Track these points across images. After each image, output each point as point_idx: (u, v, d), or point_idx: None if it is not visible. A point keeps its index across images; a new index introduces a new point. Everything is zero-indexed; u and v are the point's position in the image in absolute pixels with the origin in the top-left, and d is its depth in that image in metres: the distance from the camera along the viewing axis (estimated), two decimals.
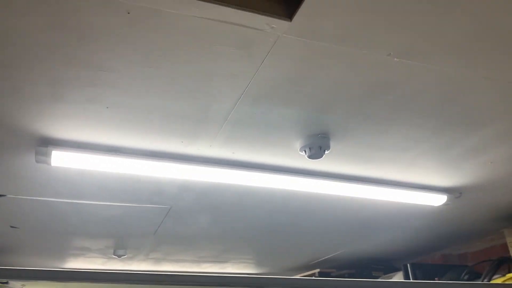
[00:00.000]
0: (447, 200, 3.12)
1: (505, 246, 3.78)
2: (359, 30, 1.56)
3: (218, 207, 3.06)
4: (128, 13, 1.44)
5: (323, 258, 4.49)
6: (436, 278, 3.76)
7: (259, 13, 1.47)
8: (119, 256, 3.94)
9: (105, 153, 2.26)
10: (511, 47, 1.70)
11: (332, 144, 2.38)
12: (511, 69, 1.83)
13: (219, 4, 1.44)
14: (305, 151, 2.37)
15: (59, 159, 2.24)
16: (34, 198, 2.73)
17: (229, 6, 1.44)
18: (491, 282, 3.28)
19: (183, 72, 1.74)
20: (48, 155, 2.19)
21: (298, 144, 2.37)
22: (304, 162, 2.54)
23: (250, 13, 1.46)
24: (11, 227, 3.13)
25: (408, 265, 3.95)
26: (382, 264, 4.67)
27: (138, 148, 2.24)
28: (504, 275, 3.26)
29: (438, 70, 1.80)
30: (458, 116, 2.16)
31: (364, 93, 1.96)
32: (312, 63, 1.71)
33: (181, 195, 2.86)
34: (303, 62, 1.70)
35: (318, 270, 4.64)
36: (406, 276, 3.91)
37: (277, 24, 1.52)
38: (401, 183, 2.93)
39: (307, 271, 4.78)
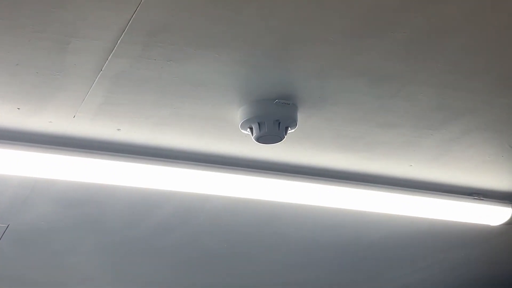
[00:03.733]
0: None
1: None
2: None
3: (100, 220, 3.15)
4: None
5: None
6: None
7: None
8: None
9: None
10: None
11: (300, 116, 2.34)
12: None
13: None
14: (250, 129, 2.33)
15: None
16: None
17: None
18: None
19: None
20: None
21: (237, 117, 2.35)
22: (249, 148, 2.57)
23: None
24: None
25: None
26: None
27: None
28: None
29: None
30: None
31: (357, 24, 1.91)
32: None
33: (29, 205, 2.93)
34: None
35: None
36: None
37: None
38: (428, 185, 2.91)
39: None
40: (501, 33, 1.97)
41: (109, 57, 1.95)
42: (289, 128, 2.28)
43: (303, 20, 1.86)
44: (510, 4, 1.77)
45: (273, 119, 2.24)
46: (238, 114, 2.28)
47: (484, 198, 2.97)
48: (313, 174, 2.75)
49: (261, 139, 2.27)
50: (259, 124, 2.24)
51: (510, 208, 3.02)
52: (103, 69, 2.01)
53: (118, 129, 2.36)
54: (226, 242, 3.47)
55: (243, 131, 2.30)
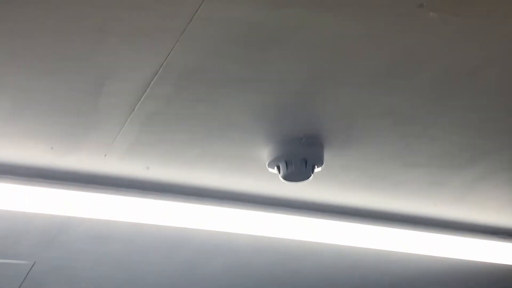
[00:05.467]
0: None
1: None
2: None
3: (127, 259, 3.09)
4: None
5: None
6: None
7: None
8: None
9: None
10: None
11: (327, 155, 2.32)
12: None
13: None
14: (277, 168, 2.31)
15: None
16: None
17: None
18: None
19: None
20: None
21: (265, 156, 2.32)
22: (276, 186, 2.52)
23: None
24: None
25: None
26: None
27: None
28: None
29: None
30: None
31: (384, 67, 1.93)
32: None
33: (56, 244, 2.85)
34: None
35: None
36: None
37: None
38: (452, 224, 2.90)
39: None
40: None
41: (142, 98, 1.96)
42: (316, 167, 2.26)
43: (330, 62, 1.87)
44: None
45: (300, 158, 2.22)
46: (265, 153, 2.27)
47: (510, 238, 2.94)
48: (338, 212, 2.72)
49: (288, 177, 2.25)
50: (286, 162, 2.23)
51: None
52: (135, 109, 2.02)
53: (147, 168, 2.36)
54: (251, 282, 3.43)
55: (270, 169, 2.29)
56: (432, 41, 1.76)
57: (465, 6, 1.66)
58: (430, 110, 2.10)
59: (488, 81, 1.98)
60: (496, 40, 1.78)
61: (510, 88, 2.01)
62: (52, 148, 2.22)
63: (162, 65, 1.82)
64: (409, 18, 1.68)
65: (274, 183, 2.44)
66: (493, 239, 2.92)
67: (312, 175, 2.27)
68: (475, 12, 1.65)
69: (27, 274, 3.15)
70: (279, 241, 2.88)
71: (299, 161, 2.22)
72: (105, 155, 2.28)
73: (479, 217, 2.85)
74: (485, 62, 1.85)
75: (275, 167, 2.27)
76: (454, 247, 2.92)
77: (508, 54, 1.80)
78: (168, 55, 1.78)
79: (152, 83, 1.90)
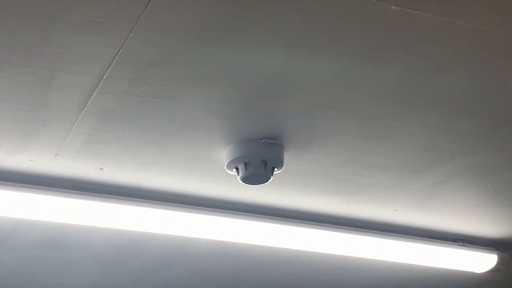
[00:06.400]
0: (499, 263, 3.05)
1: None
2: None
3: (81, 263, 3.07)
4: None
5: None
6: None
7: None
8: None
9: None
10: None
11: (287, 158, 2.33)
12: None
13: None
14: (236, 170, 2.32)
15: None
16: None
17: None
18: None
19: None
20: None
21: (223, 157, 2.33)
22: (235, 189, 2.54)
23: None
24: None
25: None
26: None
27: None
28: None
29: (478, 29, 1.79)
30: None
31: (346, 65, 1.92)
32: None
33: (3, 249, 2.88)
34: None
35: None
36: None
37: None
38: (413, 230, 2.91)
39: None
40: (490, 77, 1.98)
41: (94, 93, 1.93)
42: (276, 169, 2.26)
43: (292, 60, 1.86)
44: (498, 46, 1.79)
45: (259, 159, 2.21)
46: (224, 154, 2.27)
47: (469, 244, 2.97)
48: (298, 217, 2.74)
49: (247, 179, 2.25)
50: (245, 164, 2.22)
51: (495, 255, 3.01)
52: (87, 105, 1.99)
53: (101, 169, 2.33)
54: (211, 286, 3.44)
55: (229, 171, 2.28)
56: (394, 39, 1.74)
57: (424, 1, 1.65)
58: (392, 110, 2.10)
59: (451, 81, 1.99)
60: (458, 38, 1.78)
61: (473, 89, 2.02)
62: None
63: (115, 57, 1.78)
64: (370, 13, 1.67)
65: (233, 186, 2.44)
66: (453, 245, 2.93)
67: (271, 177, 2.26)
68: (435, 8, 1.65)
69: None
70: (239, 246, 2.89)
71: (258, 162, 2.21)
72: (56, 155, 2.25)
73: (439, 223, 2.88)
74: (447, 62, 1.85)
75: (234, 169, 2.26)
76: (414, 253, 2.94)
77: (471, 54, 1.80)
78: (122, 46, 1.74)
79: (105, 76, 1.87)
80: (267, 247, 2.85)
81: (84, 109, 2.01)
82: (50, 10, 1.62)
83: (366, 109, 2.11)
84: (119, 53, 1.79)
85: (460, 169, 2.48)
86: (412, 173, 2.48)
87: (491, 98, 2.07)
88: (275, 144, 2.23)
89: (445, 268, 3.08)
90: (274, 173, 2.27)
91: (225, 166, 2.27)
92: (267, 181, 2.27)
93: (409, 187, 2.56)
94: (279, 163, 2.26)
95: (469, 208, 2.74)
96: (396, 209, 2.74)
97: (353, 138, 2.25)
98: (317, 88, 1.99)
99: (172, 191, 2.53)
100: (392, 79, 1.97)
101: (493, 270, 3.07)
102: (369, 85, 2.00)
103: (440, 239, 2.94)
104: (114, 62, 1.82)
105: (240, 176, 2.25)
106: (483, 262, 3.02)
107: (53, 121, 2.07)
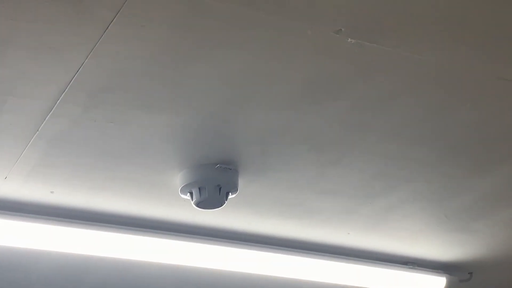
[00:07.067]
0: (448, 286, 3.10)
1: None
2: None
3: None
4: None
5: None
6: None
7: None
8: None
9: None
10: None
11: (241, 182, 2.34)
12: None
13: None
14: (190, 194, 2.30)
15: None
16: None
17: None
18: None
19: None
20: None
21: (177, 181, 2.32)
22: (189, 214, 2.54)
23: None
24: None
25: None
26: None
27: None
28: None
29: (426, 60, 1.82)
30: (466, 144, 2.22)
31: (300, 92, 1.93)
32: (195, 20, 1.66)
33: None
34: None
35: None
36: None
37: None
38: (365, 254, 2.94)
39: None
40: (438, 106, 2.01)
41: (47, 117, 1.90)
42: (230, 194, 2.25)
43: (246, 85, 1.86)
44: (450, 77, 1.82)
45: (214, 184, 2.20)
46: (178, 179, 2.25)
47: (419, 267, 3.01)
48: (253, 240, 2.74)
49: (201, 204, 2.24)
50: (199, 189, 2.21)
51: (444, 278, 3.05)
52: (39, 129, 1.95)
53: (51, 192, 2.30)
54: None
55: (183, 196, 2.26)
56: (349, 68, 1.76)
57: (380, 35, 1.68)
58: (345, 137, 2.12)
59: (402, 110, 2.01)
60: (411, 69, 1.81)
61: (423, 118, 2.05)
62: None
63: (69, 83, 1.76)
64: (327, 43, 1.69)
65: (187, 210, 2.42)
66: (403, 268, 2.96)
67: (226, 202, 2.25)
68: (390, 41, 1.67)
69: None
70: (191, 269, 2.86)
71: (212, 187, 2.21)
72: (5, 178, 2.21)
73: (391, 246, 2.89)
74: (399, 91, 1.87)
75: (188, 194, 2.25)
76: (366, 276, 2.95)
77: (420, 84, 1.82)
78: (77, 72, 1.72)
79: (58, 101, 1.84)
80: (219, 270, 2.83)
81: (36, 133, 1.98)
82: (2, 35, 1.59)
83: (320, 135, 2.11)
84: (73, 78, 1.77)
85: (411, 195, 2.50)
86: (364, 198, 2.49)
87: (441, 126, 2.09)
88: (230, 169, 2.22)
89: None
90: (229, 197, 2.26)
91: (179, 191, 2.26)
92: (221, 206, 2.26)
93: (362, 211, 2.57)
94: (234, 188, 2.25)
95: (420, 232, 2.77)
96: (349, 233, 2.75)
97: (306, 163, 2.25)
98: (271, 113, 1.99)
99: (126, 214, 2.50)
100: (345, 106, 1.98)
101: None
102: (323, 112, 2.01)
103: (391, 262, 2.96)
104: (68, 86, 1.79)
105: (194, 201, 2.24)
106: (433, 284, 3.05)
107: (4, 145, 2.04)
